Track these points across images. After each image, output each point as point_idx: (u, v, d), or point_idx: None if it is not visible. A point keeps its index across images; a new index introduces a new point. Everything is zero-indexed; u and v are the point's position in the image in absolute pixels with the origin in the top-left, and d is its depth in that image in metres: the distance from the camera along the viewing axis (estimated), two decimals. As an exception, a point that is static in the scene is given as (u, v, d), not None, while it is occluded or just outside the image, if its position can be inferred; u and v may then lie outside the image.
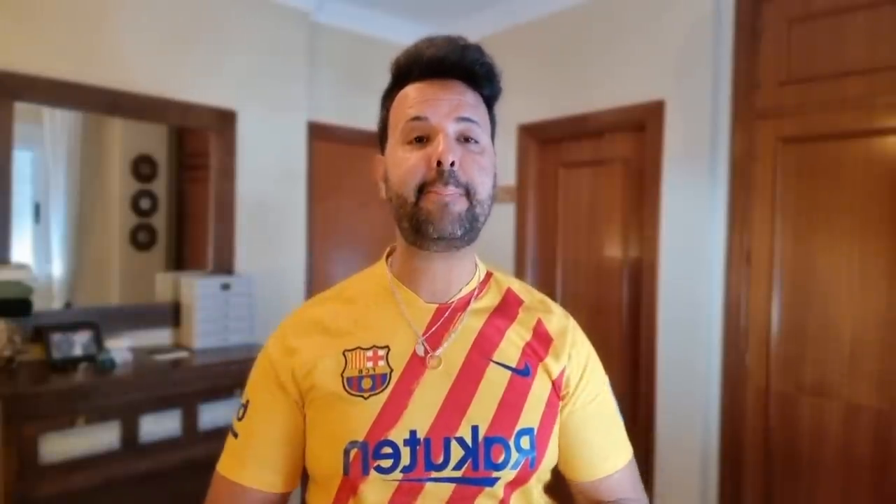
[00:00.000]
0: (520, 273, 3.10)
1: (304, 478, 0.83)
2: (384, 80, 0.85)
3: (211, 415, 2.20)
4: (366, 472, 0.71)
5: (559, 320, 0.86)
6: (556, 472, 0.84)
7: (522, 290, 0.89)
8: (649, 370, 2.56)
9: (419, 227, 0.75)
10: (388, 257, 0.87)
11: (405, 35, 3.21)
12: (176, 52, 2.55)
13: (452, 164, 0.73)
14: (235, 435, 0.82)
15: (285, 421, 0.79)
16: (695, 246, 2.43)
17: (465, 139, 0.77)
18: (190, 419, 2.16)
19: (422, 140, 0.76)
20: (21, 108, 2.20)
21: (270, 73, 2.83)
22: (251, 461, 0.80)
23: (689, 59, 2.44)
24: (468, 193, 0.75)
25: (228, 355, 2.38)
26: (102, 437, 1.97)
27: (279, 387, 0.79)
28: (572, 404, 0.81)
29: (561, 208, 3.03)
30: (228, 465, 0.81)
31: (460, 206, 0.75)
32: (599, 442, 0.83)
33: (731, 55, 2.35)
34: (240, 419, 0.82)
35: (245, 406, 0.82)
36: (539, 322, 0.84)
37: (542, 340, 0.82)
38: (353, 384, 0.76)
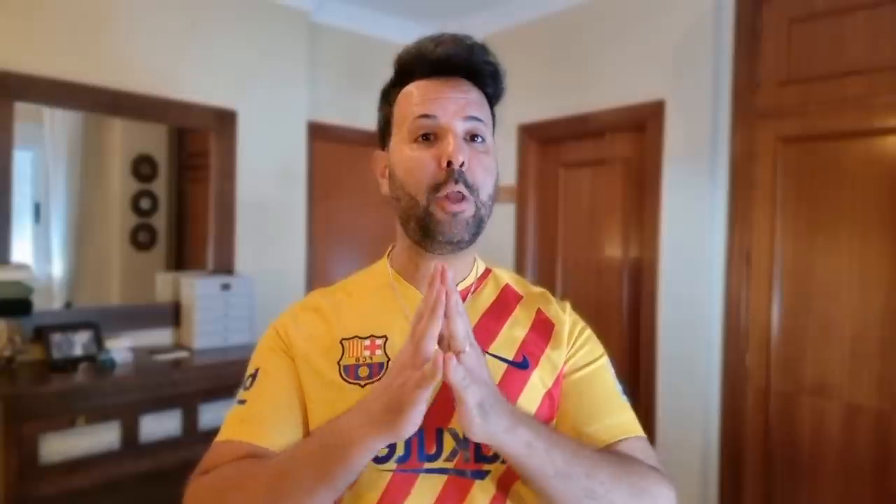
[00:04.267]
0: (520, 273, 3.09)
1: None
2: (384, 79, 0.85)
3: (211, 415, 2.20)
4: None
5: (557, 307, 0.87)
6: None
7: (520, 285, 0.90)
8: (649, 370, 2.56)
9: (428, 232, 0.75)
10: (389, 254, 0.88)
11: (405, 35, 3.18)
12: (176, 52, 2.55)
13: (462, 164, 0.73)
14: (242, 402, 0.79)
15: (292, 386, 0.78)
16: (695, 246, 2.43)
17: (471, 137, 0.77)
18: (190, 419, 2.16)
19: (428, 138, 0.76)
20: (21, 108, 2.20)
21: (270, 73, 2.83)
22: (256, 420, 0.76)
23: (689, 59, 2.44)
24: (472, 194, 0.75)
25: (228, 355, 2.37)
26: (102, 437, 1.97)
27: (287, 355, 0.79)
28: (571, 365, 0.81)
29: (561, 208, 3.03)
30: (230, 430, 0.77)
31: (469, 212, 0.75)
32: (603, 407, 0.80)
33: (731, 55, 2.35)
34: (247, 389, 0.79)
35: (253, 376, 0.80)
36: (539, 312, 0.85)
37: (542, 330, 0.83)
38: (350, 372, 0.76)
